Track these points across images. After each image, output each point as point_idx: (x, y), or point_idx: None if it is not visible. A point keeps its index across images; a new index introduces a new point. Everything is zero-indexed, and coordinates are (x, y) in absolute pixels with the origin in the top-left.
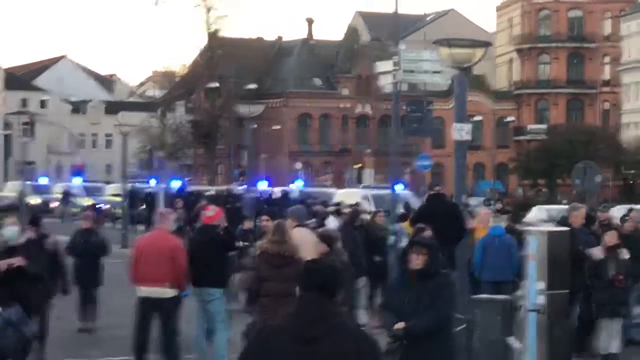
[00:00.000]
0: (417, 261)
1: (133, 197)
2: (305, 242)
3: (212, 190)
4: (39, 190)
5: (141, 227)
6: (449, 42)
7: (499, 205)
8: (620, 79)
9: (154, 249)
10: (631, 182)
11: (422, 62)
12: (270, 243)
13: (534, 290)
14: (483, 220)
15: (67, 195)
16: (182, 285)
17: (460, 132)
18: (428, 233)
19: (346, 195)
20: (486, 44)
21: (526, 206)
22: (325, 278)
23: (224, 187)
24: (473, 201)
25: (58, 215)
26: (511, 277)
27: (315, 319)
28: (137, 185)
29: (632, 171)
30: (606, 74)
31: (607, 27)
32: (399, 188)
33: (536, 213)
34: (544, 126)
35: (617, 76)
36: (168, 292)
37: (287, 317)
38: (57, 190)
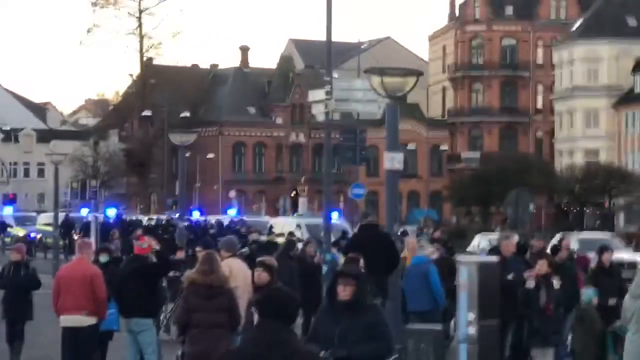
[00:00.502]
0: (345, 292)
1: (67, 226)
2: (236, 273)
3: (152, 219)
4: None
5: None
6: (381, 71)
7: (436, 234)
8: (554, 107)
9: (73, 277)
10: (565, 209)
11: (354, 91)
12: (198, 274)
13: (464, 321)
14: (412, 249)
15: (2, 225)
16: (101, 313)
17: (392, 161)
18: (360, 263)
19: (280, 224)
20: (418, 73)
21: (460, 234)
22: (283, 305)
23: (163, 217)
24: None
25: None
26: (430, 306)
27: (273, 344)
28: (71, 214)
29: (566, 199)
30: (539, 102)
31: (540, 56)
32: (334, 216)
33: (478, 241)
34: (477, 154)
35: (550, 104)
36: (85, 321)
37: (246, 342)
38: None
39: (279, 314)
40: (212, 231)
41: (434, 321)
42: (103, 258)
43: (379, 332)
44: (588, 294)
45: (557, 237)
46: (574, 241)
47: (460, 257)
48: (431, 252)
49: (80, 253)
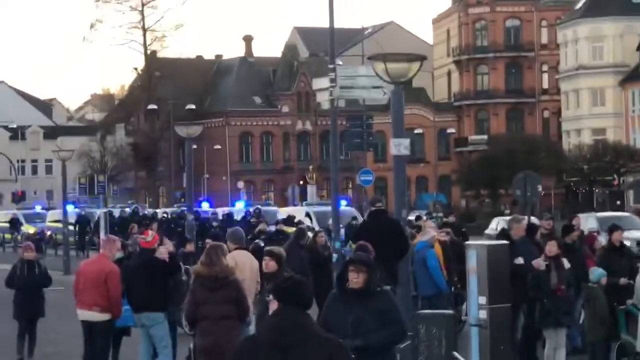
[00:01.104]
0: (357, 280)
1: (83, 223)
2: (243, 264)
3: (166, 212)
4: None
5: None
6: (384, 57)
7: (451, 218)
8: (559, 86)
9: (90, 273)
10: (574, 189)
11: (359, 78)
12: (202, 266)
13: (475, 305)
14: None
15: (15, 222)
16: (114, 311)
17: (398, 147)
18: (370, 250)
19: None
20: (422, 58)
21: (470, 217)
22: (299, 292)
23: (177, 210)
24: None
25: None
26: (434, 290)
27: (291, 328)
28: (88, 210)
29: (574, 179)
30: (545, 82)
31: (544, 36)
32: (342, 204)
33: (496, 224)
34: (484, 137)
35: (556, 84)
36: (98, 317)
37: (266, 327)
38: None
39: (295, 300)
40: (215, 224)
41: (440, 306)
42: (118, 254)
43: (391, 317)
44: (596, 273)
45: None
46: (592, 221)
47: (469, 241)
48: (432, 236)
49: (103, 249)
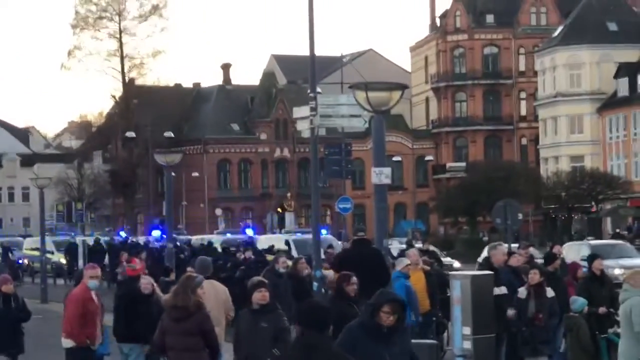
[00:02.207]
0: (391, 320)
1: (73, 251)
2: (208, 295)
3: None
4: None
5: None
6: (366, 86)
7: (426, 246)
8: (537, 114)
9: (73, 301)
10: (552, 216)
11: (339, 107)
12: (169, 295)
13: (459, 335)
14: (414, 261)
15: (6, 250)
16: (71, 336)
17: (379, 176)
18: (354, 279)
19: (268, 241)
20: (403, 87)
21: (448, 245)
22: (320, 316)
23: (183, 238)
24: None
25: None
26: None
27: (313, 350)
28: (76, 238)
29: (552, 206)
30: (523, 109)
31: (522, 63)
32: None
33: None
34: (463, 164)
35: (534, 111)
36: (64, 342)
37: (290, 350)
38: None
39: (317, 324)
40: (185, 254)
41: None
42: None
43: (414, 356)
44: (578, 302)
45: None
46: (585, 249)
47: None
48: (404, 265)
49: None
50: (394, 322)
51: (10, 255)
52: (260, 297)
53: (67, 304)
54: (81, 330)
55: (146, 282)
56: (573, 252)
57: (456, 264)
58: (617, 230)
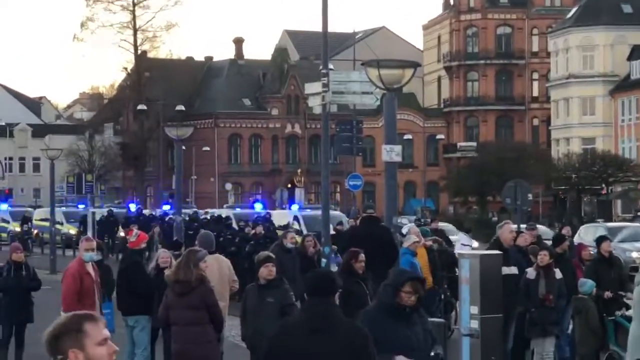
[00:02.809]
0: (412, 299)
1: (86, 223)
2: (212, 269)
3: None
4: None
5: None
6: (378, 64)
7: (433, 225)
8: (549, 95)
9: (70, 274)
10: (562, 197)
11: (351, 84)
12: (173, 271)
13: (467, 315)
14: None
15: (26, 220)
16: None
17: (390, 153)
18: (362, 257)
19: (277, 217)
20: (415, 65)
21: (458, 224)
22: (323, 283)
23: (189, 211)
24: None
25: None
26: None
27: (318, 315)
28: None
29: (562, 187)
30: (535, 90)
31: (535, 44)
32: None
33: None
34: (473, 143)
35: (546, 92)
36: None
37: (298, 315)
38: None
39: (320, 289)
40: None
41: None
42: (93, 255)
43: (434, 337)
44: (587, 285)
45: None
46: (602, 230)
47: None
48: (411, 242)
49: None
50: (416, 301)
51: (28, 225)
52: (267, 272)
53: (63, 279)
54: (78, 305)
55: (166, 256)
56: (589, 234)
57: (475, 243)
58: (639, 213)
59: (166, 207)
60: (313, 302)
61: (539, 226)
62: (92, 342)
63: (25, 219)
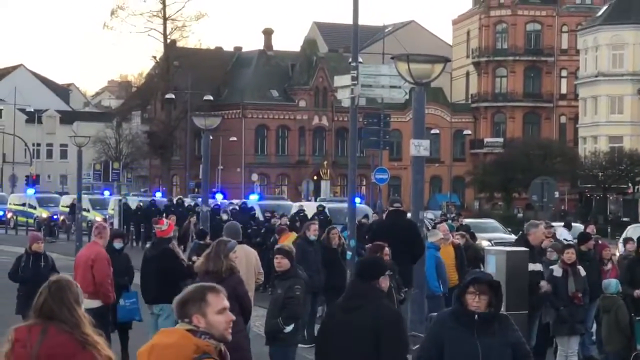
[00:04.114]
0: (478, 303)
1: (124, 213)
2: (241, 260)
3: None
4: None
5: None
6: (408, 58)
7: (460, 220)
8: (578, 92)
9: (80, 260)
10: (588, 196)
11: (380, 77)
12: (203, 261)
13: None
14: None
15: (74, 208)
16: (101, 296)
17: (418, 147)
18: (387, 250)
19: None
20: (445, 60)
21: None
22: (362, 267)
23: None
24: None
25: (64, 230)
26: (431, 292)
27: (354, 295)
28: (129, 197)
29: (589, 185)
30: (563, 87)
31: (565, 41)
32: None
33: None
34: (500, 139)
35: (574, 90)
36: (88, 303)
37: (343, 299)
38: (15, 200)
39: (362, 273)
40: (225, 217)
41: (437, 307)
42: (117, 244)
43: (523, 351)
44: (612, 285)
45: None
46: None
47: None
48: (439, 238)
49: (94, 236)
50: (485, 307)
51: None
52: (276, 264)
53: (94, 264)
54: (111, 288)
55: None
56: (637, 233)
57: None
58: None
59: (219, 197)
60: (354, 284)
61: (574, 225)
62: (213, 310)
63: (73, 207)
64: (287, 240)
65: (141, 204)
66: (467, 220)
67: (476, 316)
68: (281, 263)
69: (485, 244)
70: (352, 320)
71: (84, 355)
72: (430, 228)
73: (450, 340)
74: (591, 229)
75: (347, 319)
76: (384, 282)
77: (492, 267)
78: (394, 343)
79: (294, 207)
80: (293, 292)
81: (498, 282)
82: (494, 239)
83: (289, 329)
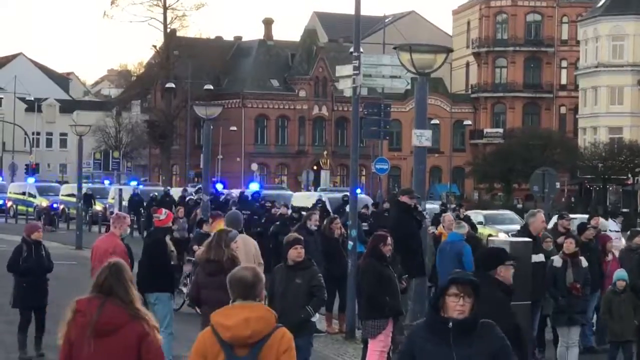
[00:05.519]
0: (463, 307)
1: (134, 203)
2: (240, 249)
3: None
4: None
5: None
6: (410, 48)
7: (463, 211)
8: (578, 83)
9: (98, 250)
10: (588, 186)
11: (381, 67)
12: (205, 250)
13: None
14: (448, 226)
15: (89, 198)
16: None
17: (420, 138)
18: (389, 240)
19: (302, 198)
20: (448, 50)
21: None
22: (480, 258)
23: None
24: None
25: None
26: None
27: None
28: (142, 188)
29: (588, 176)
30: (563, 78)
31: (565, 32)
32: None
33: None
34: (500, 130)
35: (574, 81)
36: None
37: None
38: (15, 189)
39: (479, 262)
40: (234, 207)
41: None
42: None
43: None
44: (621, 276)
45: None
46: None
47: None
48: (467, 230)
49: (112, 227)
50: (467, 312)
51: (93, 203)
52: (296, 254)
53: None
54: None
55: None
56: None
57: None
58: None
59: (254, 186)
60: (473, 273)
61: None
62: None
63: (87, 197)
64: (219, 226)
65: (156, 194)
66: (484, 212)
67: (450, 324)
68: (300, 253)
69: (502, 236)
70: None
71: (135, 325)
72: (427, 217)
73: (423, 354)
74: (596, 221)
75: None
76: (503, 272)
77: None
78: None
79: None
80: (317, 280)
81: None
82: (511, 230)
83: (317, 316)
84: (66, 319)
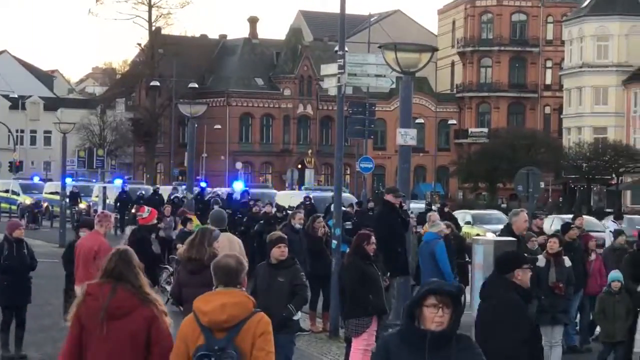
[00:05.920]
0: (441, 318)
1: (122, 201)
2: (222, 248)
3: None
4: None
5: None
6: (395, 47)
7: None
8: (562, 83)
9: (82, 249)
10: (572, 186)
11: (366, 66)
12: (186, 248)
13: (479, 300)
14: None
15: (75, 196)
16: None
17: (404, 137)
18: (373, 239)
19: (286, 197)
20: (432, 49)
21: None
22: (498, 262)
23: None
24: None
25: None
26: (451, 279)
27: (489, 285)
28: (129, 187)
29: (573, 176)
30: (548, 78)
31: (550, 32)
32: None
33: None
34: (485, 130)
35: (559, 81)
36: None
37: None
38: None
39: (497, 267)
40: (217, 206)
41: None
42: (82, 234)
43: None
44: (616, 277)
45: None
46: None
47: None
48: (442, 228)
49: (97, 225)
50: (445, 324)
51: (79, 201)
52: (279, 253)
53: (98, 255)
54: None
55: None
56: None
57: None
58: None
59: (238, 186)
60: (491, 275)
61: (559, 217)
62: None
63: (74, 195)
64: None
65: (143, 192)
66: (472, 212)
67: (429, 335)
68: (284, 252)
69: (490, 236)
70: (480, 308)
71: (145, 309)
72: (412, 216)
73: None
74: (580, 221)
75: (481, 307)
76: (520, 275)
77: (479, 257)
78: (507, 330)
79: (278, 195)
80: (300, 279)
81: (460, 293)
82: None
83: (299, 315)
84: (77, 300)
